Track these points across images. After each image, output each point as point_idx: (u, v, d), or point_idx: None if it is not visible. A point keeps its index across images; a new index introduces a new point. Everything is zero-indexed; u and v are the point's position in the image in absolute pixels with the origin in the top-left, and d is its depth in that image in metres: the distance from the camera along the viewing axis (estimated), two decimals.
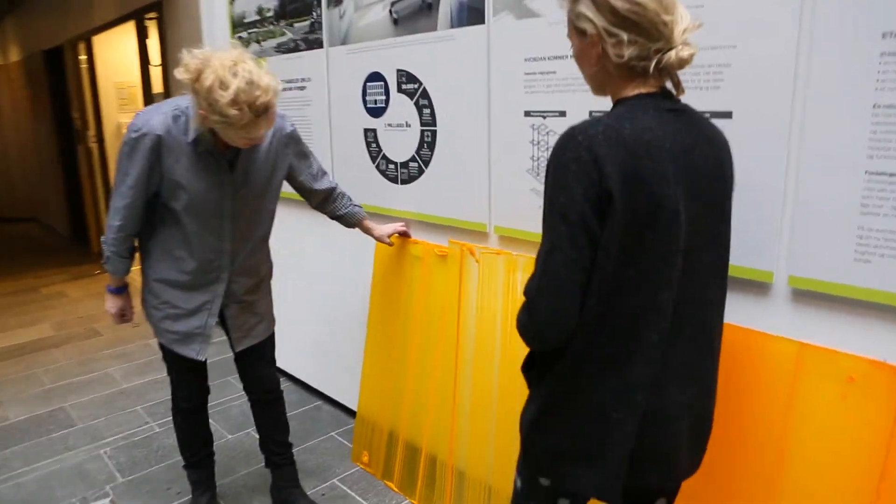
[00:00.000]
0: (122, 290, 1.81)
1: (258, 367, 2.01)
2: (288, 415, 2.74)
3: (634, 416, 1.00)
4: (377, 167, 2.27)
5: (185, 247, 1.72)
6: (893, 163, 1.17)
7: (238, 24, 2.87)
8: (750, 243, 1.39)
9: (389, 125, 2.18)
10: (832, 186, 1.25)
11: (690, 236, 0.99)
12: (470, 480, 1.98)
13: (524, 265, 1.78)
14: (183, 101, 1.64)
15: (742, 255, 1.41)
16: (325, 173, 1.99)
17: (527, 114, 1.74)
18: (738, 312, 1.45)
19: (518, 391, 1.79)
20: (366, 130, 2.28)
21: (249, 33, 2.80)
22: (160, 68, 4.11)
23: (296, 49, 2.55)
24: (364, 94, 2.25)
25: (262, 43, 2.72)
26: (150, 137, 1.59)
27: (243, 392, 2.10)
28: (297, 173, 1.92)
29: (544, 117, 1.70)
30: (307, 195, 2.00)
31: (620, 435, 1.01)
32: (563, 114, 1.66)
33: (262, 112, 1.48)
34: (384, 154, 2.23)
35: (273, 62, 2.68)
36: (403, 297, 2.20)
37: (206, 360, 1.92)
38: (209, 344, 1.83)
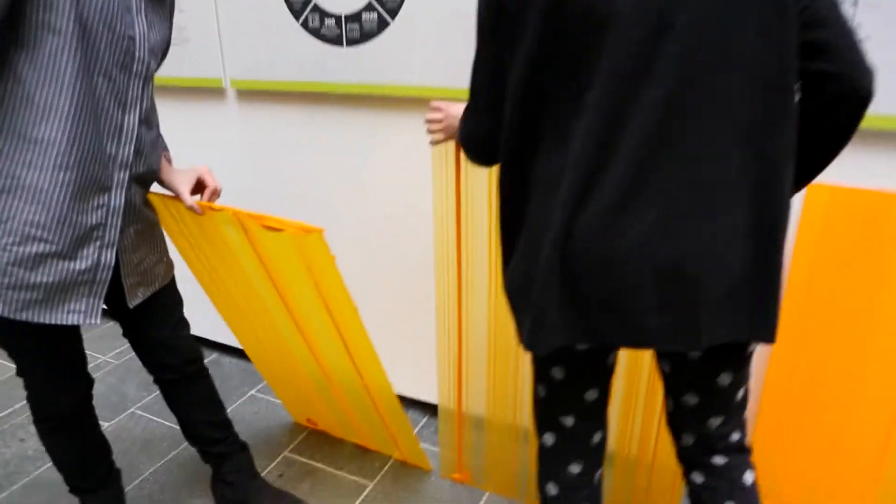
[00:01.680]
0: None
1: (169, 329, 1.34)
2: None
3: (557, 242, 0.83)
4: (304, 25, 1.60)
5: (56, 115, 0.96)
6: None
7: None
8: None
9: None
10: None
11: (652, 24, 0.76)
12: (493, 424, 1.59)
13: None
14: None
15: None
16: None
17: None
18: (861, 171, 1.21)
19: None
20: None
21: None
22: None
23: None
24: None
25: None
26: None
27: (104, 358, 1.40)
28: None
29: None
30: None
31: (543, 266, 0.85)
32: None
33: None
34: (315, 4, 1.57)
35: None
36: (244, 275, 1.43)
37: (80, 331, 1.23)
38: (102, 297, 1.11)
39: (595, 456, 1.09)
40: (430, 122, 1.22)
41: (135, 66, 1.03)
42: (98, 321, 1.10)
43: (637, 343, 0.86)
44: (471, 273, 1.48)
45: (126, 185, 1.08)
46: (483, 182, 1.37)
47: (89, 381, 1.28)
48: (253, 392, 2.03)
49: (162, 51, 1.15)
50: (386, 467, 1.70)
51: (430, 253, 1.50)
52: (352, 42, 1.56)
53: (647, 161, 0.79)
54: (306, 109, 1.71)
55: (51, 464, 1.69)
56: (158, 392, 2.03)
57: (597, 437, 1.08)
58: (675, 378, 1.02)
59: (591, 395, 1.03)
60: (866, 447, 1.29)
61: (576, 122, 0.81)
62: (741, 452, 1.04)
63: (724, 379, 0.97)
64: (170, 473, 1.68)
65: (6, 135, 0.96)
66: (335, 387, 1.62)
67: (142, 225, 1.18)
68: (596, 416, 1.06)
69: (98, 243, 1.07)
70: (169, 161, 1.29)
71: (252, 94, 1.77)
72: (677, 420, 1.06)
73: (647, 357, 1.35)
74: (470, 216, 1.42)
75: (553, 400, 1.05)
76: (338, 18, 1.56)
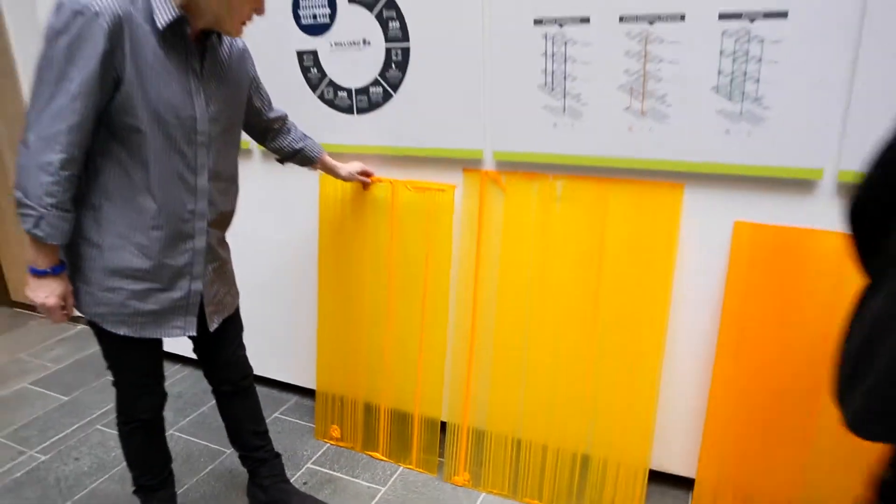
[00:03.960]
0: (61, 268, 1.27)
1: (231, 349, 1.63)
2: (209, 405, 2.35)
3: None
4: (320, 97, 1.91)
5: (149, 189, 1.26)
6: None
7: None
8: (801, 143, 1.42)
9: (337, 44, 1.83)
10: (891, 79, 1.31)
11: None
12: (493, 437, 1.85)
13: (565, 190, 1.64)
14: None
15: (789, 156, 1.44)
16: (270, 100, 1.64)
17: (537, 22, 1.57)
18: (780, 212, 1.50)
19: (559, 333, 1.70)
20: (300, 53, 1.89)
21: None
22: None
23: None
24: (296, 7, 1.85)
25: None
26: (107, 18, 1.11)
27: None
28: (253, 96, 1.55)
29: (561, 25, 1.55)
30: (261, 126, 1.64)
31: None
32: (585, 20, 1.52)
33: None
34: (330, 80, 1.88)
35: None
36: (367, 249, 1.93)
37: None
38: (195, 315, 1.42)
39: None
40: None
41: (198, 138, 1.31)
42: (195, 333, 1.42)
43: None
44: (481, 312, 1.78)
45: (205, 231, 1.38)
46: (496, 237, 1.70)
47: (164, 394, 1.55)
48: (277, 414, 2.29)
49: (228, 110, 1.37)
50: (396, 474, 1.95)
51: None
52: (361, 111, 1.87)
53: None
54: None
55: (105, 478, 1.95)
56: (193, 416, 2.30)
57: None
58: None
59: None
60: (795, 430, 1.55)
61: None
62: None
63: None
64: (208, 484, 1.93)
65: (116, 204, 1.26)
66: (388, 360, 1.95)
67: (217, 263, 1.47)
68: None
69: (188, 277, 1.38)
70: (326, 159, 1.78)
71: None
72: None
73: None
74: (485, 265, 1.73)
75: None
76: (349, 91, 1.86)
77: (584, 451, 1.75)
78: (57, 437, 2.18)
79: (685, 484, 1.76)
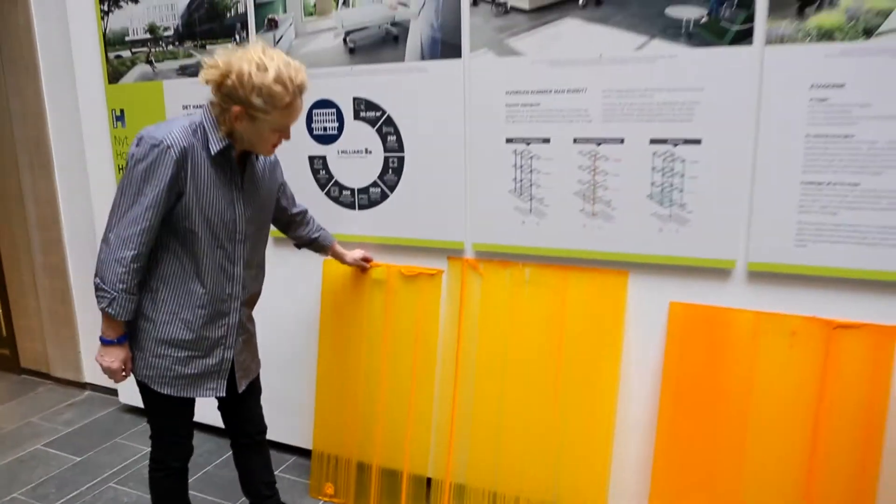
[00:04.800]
0: (125, 338, 1.57)
1: (251, 408, 1.90)
2: (213, 465, 2.57)
3: None
4: (327, 194, 2.27)
5: (198, 277, 1.58)
6: (819, 175, 1.65)
7: (116, 42, 2.56)
8: (717, 240, 1.79)
9: (343, 152, 2.20)
10: (779, 193, 1.70)
11: None
12: (472, 490, 2.11)
13: (531, 276, 1.98)
14: (190, 118, 1.56)
15: (709, 250, 1.80)
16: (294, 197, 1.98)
17: (508, 140, 1.96)
18: (705, 294, 1.85)
19: (527, 397, 2.00)
20: (311, 157, 2.26)
21: (134, 52, 2.52)
22: None
23: None
24: (309, 121, 2.23)
25: (157, 64, 2.48)
26: (176, 149, 1.46)
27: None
28: (281, 197, 1.89)
29: (528, 143, 1.93)
30: (285, 220, 1.98)
31: None
32: (547, 140, 1.91)
33: (301, 90, 1.50)
34: (336, 181, 2.24)
35: (175, 85, 2.47)
36: (364, 324, 2.24)
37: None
38: (226, 379, 1.70)
39: None
40: None
41: (237, 236, 1.63)
42: (224, 394, 1.69)
43: None
44: (462, 379, 2.07)
45: (238, 309, 1.68)
46: (475, 315, 2.02)
47: (192, 448, 1.80)
48: (277, 473, 2.50)
49: (261, 213, 1.70)
50: None
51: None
52: (362, 207, 2.22)
53: None
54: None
55: None
56: (199, 475, 2.51)
57: None
58: None
59: None
60: (727, 474, 1.83)
61: None
62: None
63: None
64: None
65: (170, 288, 1.57)
66: (380, 422, 2.19)
67: (246, 336, 1.76)
68: None
69: (222, 346, 1.67)
70: (336, 248, 2.12)
71: (286, 240, 2.40)
72: None
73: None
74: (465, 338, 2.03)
75: None
76: (352, 191, 2.22)
77: (550, 502, 2.01)
78: (73, 494, 2.37)
79: None
